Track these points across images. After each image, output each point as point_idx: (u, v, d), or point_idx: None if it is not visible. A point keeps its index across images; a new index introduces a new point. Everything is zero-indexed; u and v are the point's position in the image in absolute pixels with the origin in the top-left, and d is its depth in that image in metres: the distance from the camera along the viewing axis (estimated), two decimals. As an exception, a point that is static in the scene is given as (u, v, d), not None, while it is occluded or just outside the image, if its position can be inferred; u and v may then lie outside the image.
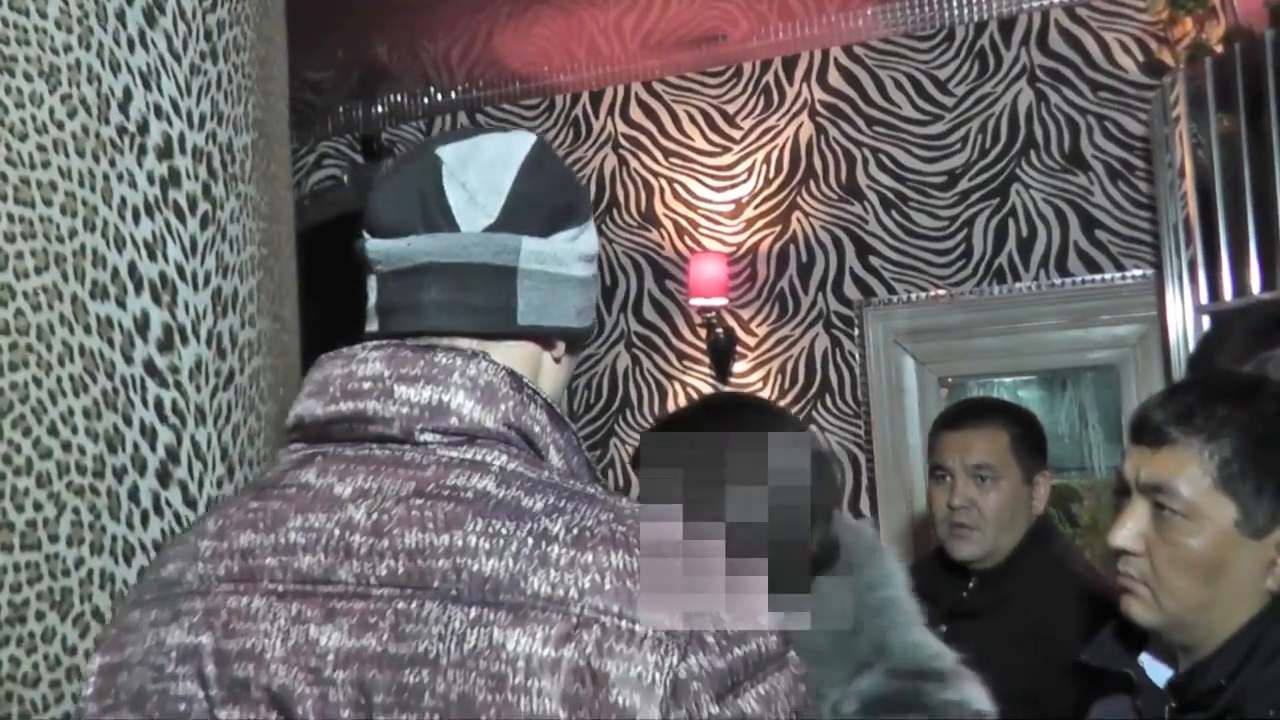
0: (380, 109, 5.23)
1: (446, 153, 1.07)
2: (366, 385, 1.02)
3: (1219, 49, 3.37)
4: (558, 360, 1.12)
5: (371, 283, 1.08)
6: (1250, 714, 1.35)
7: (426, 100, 5.16)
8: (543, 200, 1.07)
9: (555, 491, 0.97)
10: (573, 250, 1.09)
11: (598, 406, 4.93)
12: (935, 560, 2.42)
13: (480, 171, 1.06)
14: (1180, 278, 3.48)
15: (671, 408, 4.80)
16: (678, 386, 4.82)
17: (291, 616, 0.96)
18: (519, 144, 1.09)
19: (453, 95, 5.12)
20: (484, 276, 1.04)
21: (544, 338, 1.10)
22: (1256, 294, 3.10)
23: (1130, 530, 1.46)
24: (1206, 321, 3.25)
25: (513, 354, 1.07)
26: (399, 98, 5.18)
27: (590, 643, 0.88)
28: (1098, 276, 4.25)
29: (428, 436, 1.00)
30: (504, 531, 0.93)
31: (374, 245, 1.06)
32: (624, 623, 0.88)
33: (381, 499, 0.98)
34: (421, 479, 0.98)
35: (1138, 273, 4.18)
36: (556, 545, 0.92)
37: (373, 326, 1.08)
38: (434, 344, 1.03)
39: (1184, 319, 3.42)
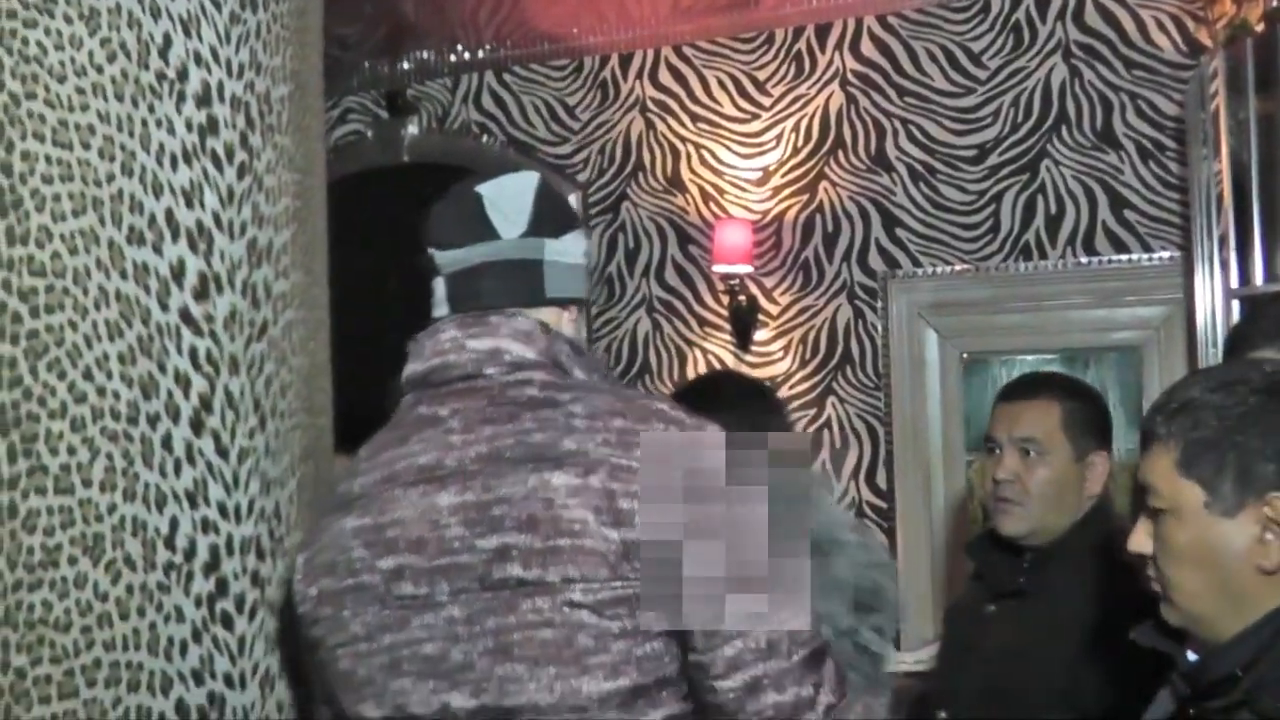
0: (406, 65, 5.20)
1: (484, 189, 1.55)
2: (446, 345, 1.51)
3: (1260, 29, 3.33)
4: (573, 319, 1.60)
5: (439, 283, 1.56)
6: (1264, 706, 1.35)
7: (453, 58, 5.13)
8: (554, 214, 1.57)
9: (578, 388, 1.47)
10: (577, 246, 1.58)
11: (617, 371, 4.92)
12: (988, 538, 2.37)
13: (509, 200, 1.54)
14: (1211, 261, 3.45)
15: (691, 374, 4.79)
16: (698, 353, 4.81)
17: (419, 494, 1.43)
18: (530, 180, 1.58)
19: (479, 54, 5.09)
20: (522, 267, 1.53)
21: (563, 304, 1.57)
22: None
23: (1139, 536, 1.50)
24: (1237, 306, 3.23)
25: (543, 314, 1.54)
26: (425, 55, 5.16)
27: (604, 473, 1.36)
28: (1124, 257, 4.22)
29: (490, 370, 1.48)
30: (545, 416, 1.42)
31: (442, 255, 1.55)
32: (624, 461, 1.36)
33: (467, 411, 1.46)
34: (490, 395, 1.46)
35: (1165, 254, 4.15)
36: (578, 419, 1.41)
37: (442, 311, 1.55)
38: (487, 312, 1.50)
39: (1213, 302, 3.39)
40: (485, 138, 5.16)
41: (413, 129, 5.23)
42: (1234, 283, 3.27)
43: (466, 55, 5.10)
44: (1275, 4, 3.36)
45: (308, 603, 1.51)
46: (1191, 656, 1.51)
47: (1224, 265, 3.35)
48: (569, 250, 1.56)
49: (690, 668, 1.35)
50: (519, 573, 1.35)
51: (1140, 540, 1.49)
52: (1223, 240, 3.36)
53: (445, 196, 1.60)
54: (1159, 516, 1.46)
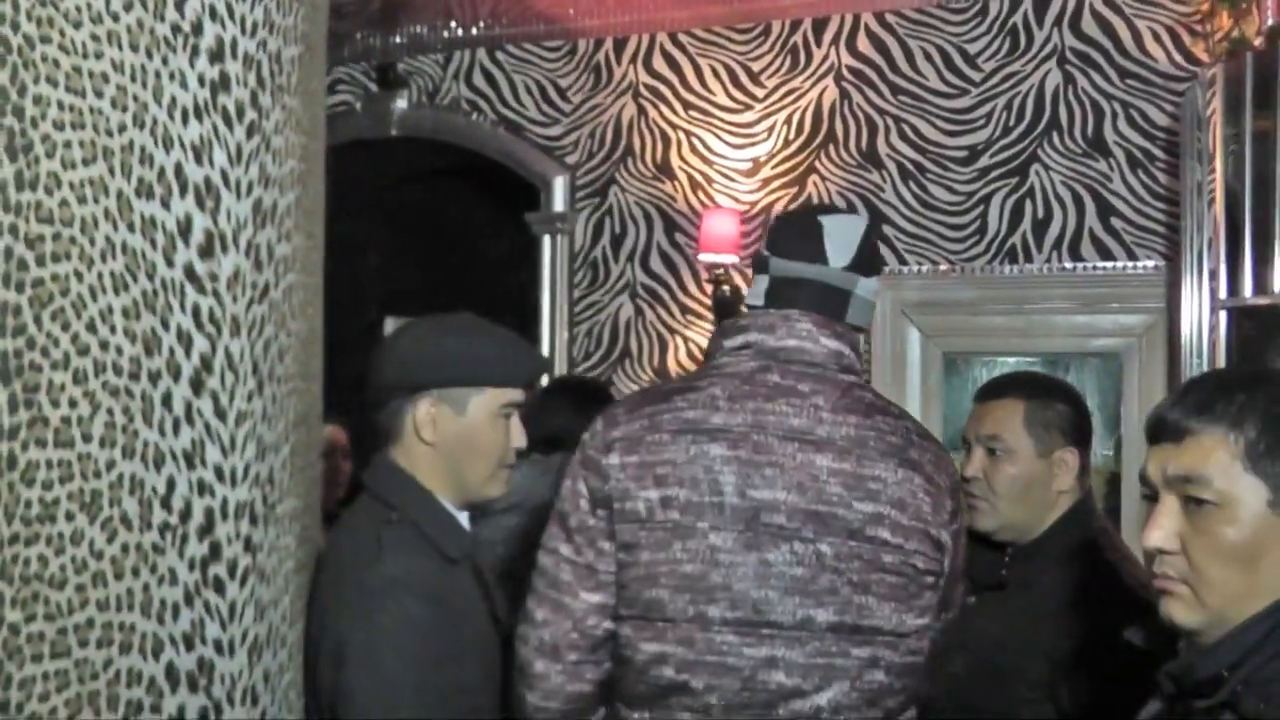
0: (399, 39, 5.16)
1: (827, 222, 1.87)
2: (802, 332, 1.81)
3: (1259, 45, 3.34)
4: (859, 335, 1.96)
5: (763, 280, 1.88)
6: (1247, 707, 1.33)
7: (446, 34, 5.10)
8: (871, 258, 1.89)
9: (894, 405, 1.87)
10: (876, 287, 1.90)
11: (597, 355, 4.91)
12: (969, 533, 2.39)
13: (843, 235, 1.86)
14: (1199, 271, 3.47)
15: (671, 361, 4.78)
16: (679, 340, 4.80)
17: (794, 449, 1.75)
18: (860, 222, 1.92)
19: (474, 31, 5.06)
20: (835, 294, 1.84)
21: (855, 329, 1.88)
22: (1277, 293, 3.09)
23: (1165, 529, 1.42)
24: (1224, 316, 3.25)
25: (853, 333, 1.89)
26: (419, 29, 5.11)
27: (935, 487, 1.79)
28: (1110, 264, 4.24)
29: (832, 366, 1.81)
30: (890, 424, 1.80)
31: (778, 263, 1.87)
32: (940, 479, 1.81)
33: (828, 395, 1.78)
34: (843, 389, 1.80)
35: (1149, 263, 4.18)
36: (914, 435, 1.81)
37: (757, 302, 1.88)
38: (830, 319, 1.83)
39: (1199, 312, 3.41)
40: (475, 115, 5.12)
41: (402, 103, 5.19)
42: (1223, 294, 3.29)
43: (460, 31, 5.06)
44: (1274, 21, 3.37)
45: (640, 503, 1.76)
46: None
47: (1212, 276, 3.37)
48: (870, 289, 1.89)
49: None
50: (886, 536, 1.75)
51: (1164, 536, 1.43)
52: (1212, 252, 3.38)
53: (790, 215, 2.03)
54: (1201, 509, 1.40)
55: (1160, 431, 1.45)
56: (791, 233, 1.89)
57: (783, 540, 1.74)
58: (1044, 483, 2.25)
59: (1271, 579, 1.38)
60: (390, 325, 5.62)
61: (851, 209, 2.17)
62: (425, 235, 6.01)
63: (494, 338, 2.08)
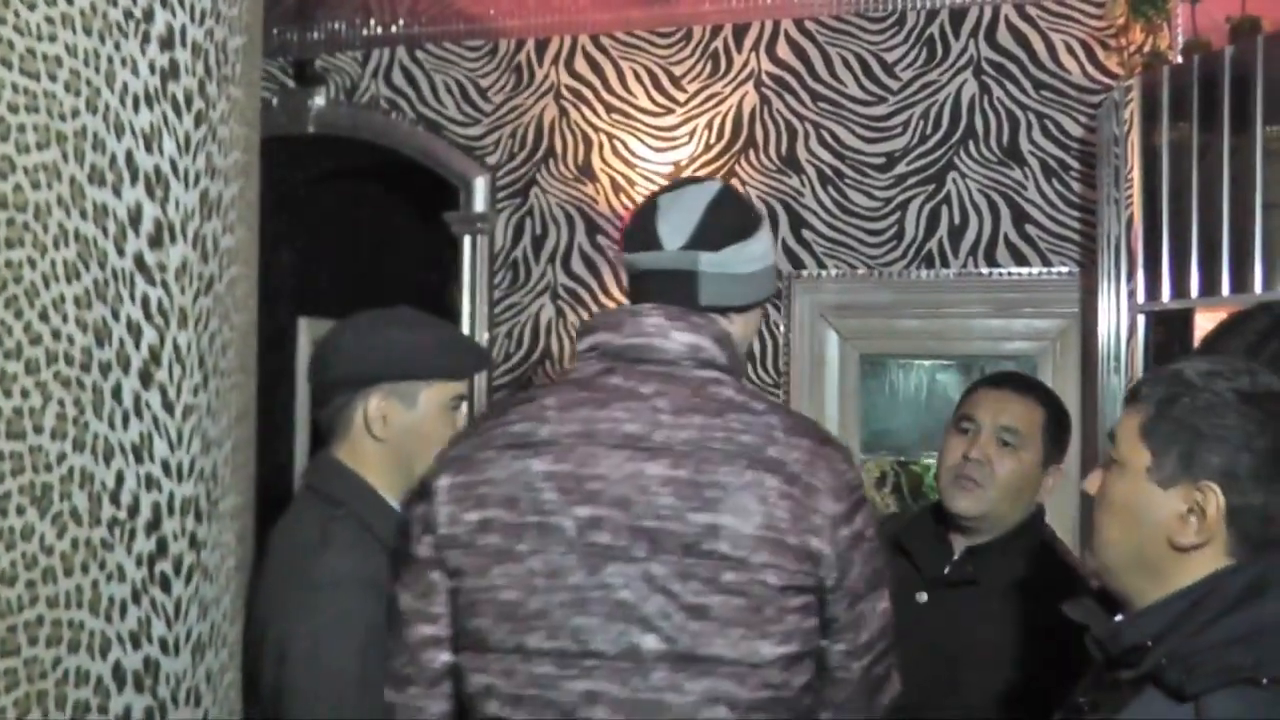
0: (316, 35, 5.08)
1: (662, 199, 1.73)
2: (650, 328, 1.65)
3: (1175, 60, 3.45)
4: (749, 322, 1.77)
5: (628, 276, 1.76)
6: (1170, 679, 1.40)
7: (365, 31, 5.04)
8: (719, 227, 1.69)
9: (763, 399, 1.67)
10: (740, 257, 1.70)
11: (517, 356, 4.89)
12: (928, 520, 2.40)
13: (678, 213, 1.70)
14: (1116, 277, 3.57)
15: (592, 364, 4.77)
16: (600, 343, 4.79)
17: (625, 458, 1.58)
18: (706, 192, 1.73)
19: (393, 29, 5.00)
20: (678, 278, 1.67)
21: (721, 311, 1.70)
22: (1194, 298, 3.19)
23: (1093, 479, 1.62)
24: (1143, 320, 3.34)
25: (717, 321, 1.69)
26: (336, 25, 5.05)
27: (801, 487, 1.56)
28: (1024, 270, 4.34)
29: (687, 362, 1.64)
30: (747, 420, 1.60)
31: (625, 258, 1.74)
32: (813, 480, 1.57)
33: (673, 395, 1.61)
34: (694, 387, 1.62)
35: (1063, 269, 4.28)
36: (778, 430, 1.60)
37: (626, 301, 1.76)
38: (687, 310, 1.66)
39: (1117, 317, 3.51)
40: (395, 114, 5.07)
41: (320, 100, 5.12)
42: (1141, 298, 3.39)
43: (379, 29, 5.00)
44: (1190, 37, 3.48)
45: (461, 527, 1.63)
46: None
47: (1130, 281, 3.46)
48: (729, 262, 1.68)
49: (828, 645, 1.62)
50: (725, 550, 1.54)
51: (1089, 482, 1.62)
52: (1130, 257, 3.48)
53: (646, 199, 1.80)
54: (1110, 466, 1.57)
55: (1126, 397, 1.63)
56: (634, 222, 1.74)
57: (609, 560, 1.55)
58: (1034, 488, 2.30)
59: (1143, 543, 1.52)
60: (304, 326, 5.53)
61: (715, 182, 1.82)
62: (342, 235, 5.92)
63: (439, 330, 2.07)
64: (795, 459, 1.57)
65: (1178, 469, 1.49)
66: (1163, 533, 1.49)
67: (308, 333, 5.50)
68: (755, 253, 1.73)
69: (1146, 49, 3.69)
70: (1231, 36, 3.22)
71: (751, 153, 4.67)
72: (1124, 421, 1.56)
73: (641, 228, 1.71)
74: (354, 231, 5.98)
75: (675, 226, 1.67)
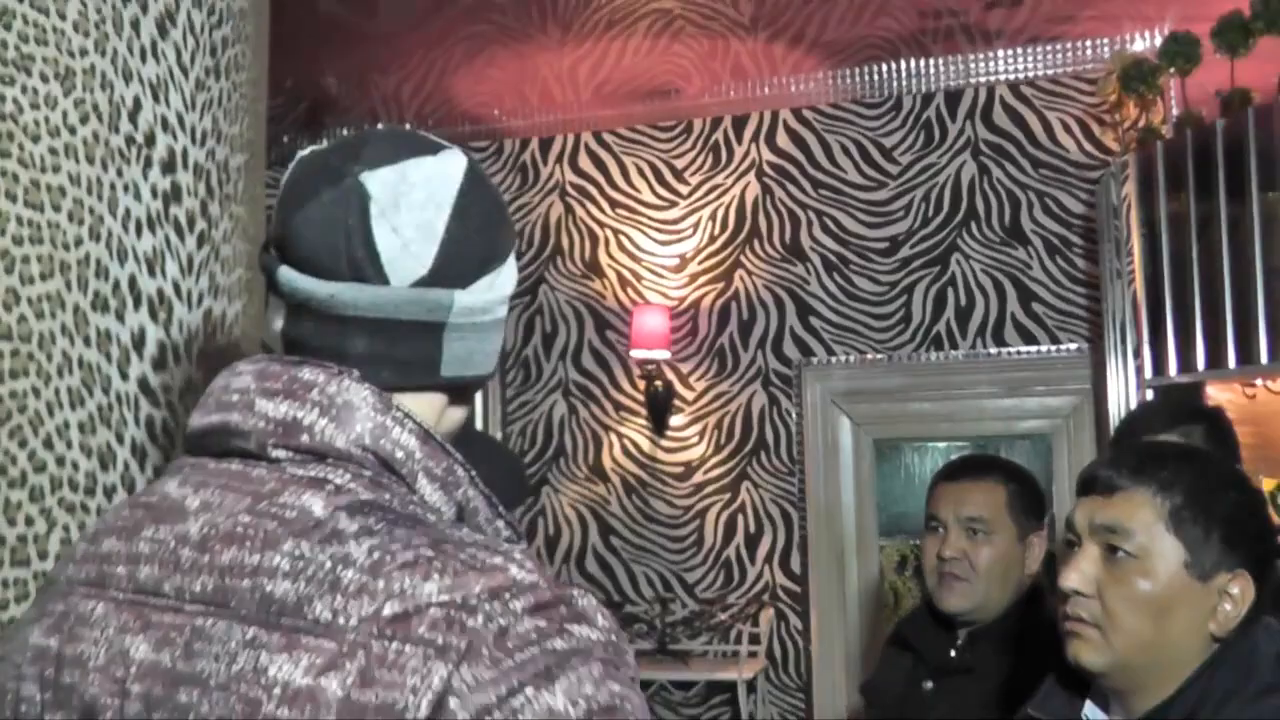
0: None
1: (374, 184, 1.00)
2: (235, 398, 1.02)
3: (1168, 134, 3.48)
4: (467, 403, 1.13)
5: (279, 306, 1.04)
6: None
7: (371, 137, 5.11)
8: (474, 247, 1.04)
9: (380, 514, 0.95)
10: (495, 295, 1.06)
11: (532, 453, 4.89)
12: (925, 613, 2.40)
13: (413, 213, 1.00)
14: (1123, 353, 3.57)
15: (606, 458, 4.78)
16: (614, 437, 4.80)
17: (119, 626, 0.98)
18: (450, 175, 1.04)
19: (398, 133, 5.08)
20: (413, 331, 1.02)
21: (458, 387, 1.08)
22: (1201, 370, 3.19)
23: (1084, 573, 1.52)
24: (1150, 395, 3.33)
25: (420, 402, 1.05)
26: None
27: (353, 672, 0.87)
28: (1033, 348, 4.34)
29: (279, 453, 0.99)
30: (308, 554, 0.92)
31: (289, 278, 1.01)
32: (392, 647, 0.87)
33: (216, 514, 0.98)
34: (258, 495, 0.98)
35: (1072, 346, 4.28)
36: (352, 570, 0.91)
37: (276, 350, 1.06)
38: (304, 360, 1.01)
39: (1126, 392, 3.50)
40: (401, 217, 5.13)
41: (328, 206, 5.17)
42: (1148, 373, 3.38)
43: (384, 135, 5.07)
44: (1181, 111, 3.52)
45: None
46: (1094, 713, 1.56)
47: (1136, 357, 3.46)
48: (482, 305, 1.05)
49: None
50: None
51: (1081, 578, 1.52)
52: (1135, 332, 3.48)
53: (307, 165, 1.05)
54: (1121, 559, 1.49)
55: (1092, 484, 1.56)
56: (314, 218, 1.01)
57: None
58: (1019, 565, 2.29)
59: (1176, 635, 1.48)
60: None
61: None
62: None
63: (509, 459, 2.07)
64: (364, 615, 0.89)
65: (1214, 563, 1.47)
66: (1203, 624, 1.47)
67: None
68: (511, 280, 1.10)
69: (1141, 124, 3.72)
70: (1222, 109, 3.26)
71: (756, 242, 4.71)
72: (1131, 514, 1.50)
73: (333, 235, 1.00)
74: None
75: (410, 239, 1.00)
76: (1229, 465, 1.57)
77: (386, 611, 0.88)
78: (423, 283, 1.00)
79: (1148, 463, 1.52)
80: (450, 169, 1.04)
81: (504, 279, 1.08)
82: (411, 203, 1.00)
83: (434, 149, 1.05)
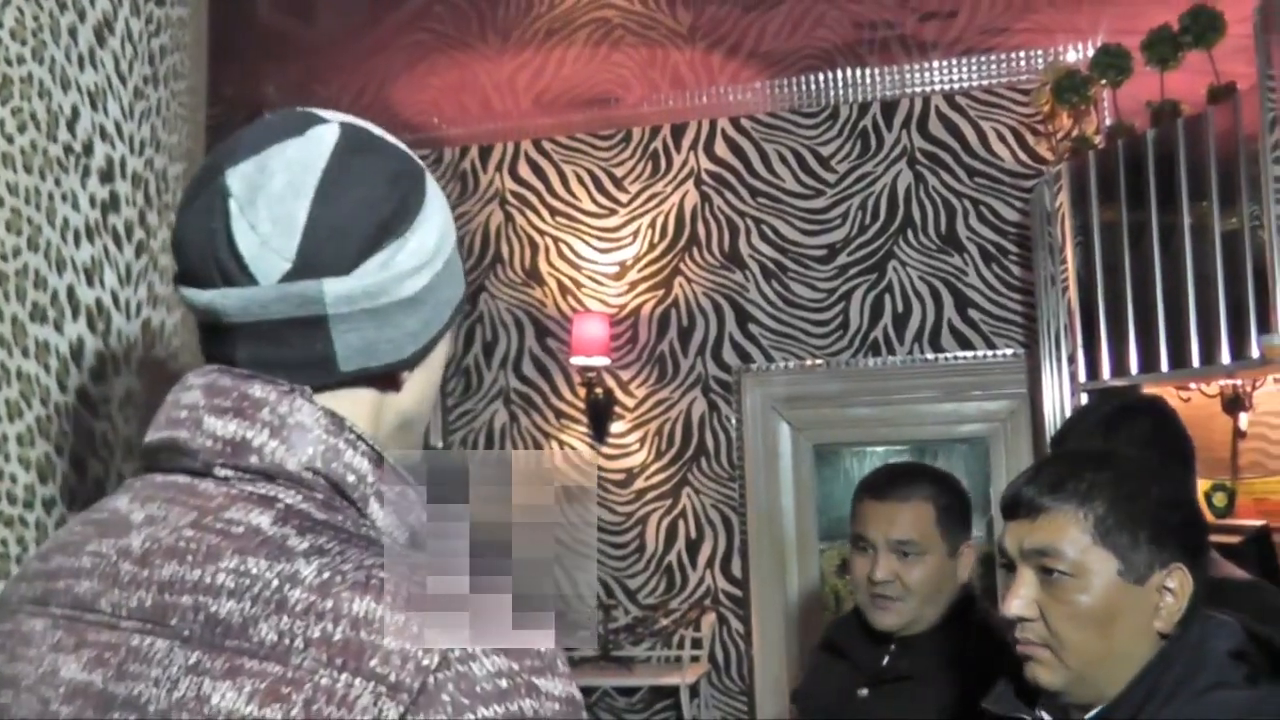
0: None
1: (234, 180, 0.94)
2: (183, 414, 0.97)
3: (1100, 143, 3.55)
4: (400, 389, 1.04)
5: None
6: None
7: (308, 145, 5.07)
8: (346, 228, 0.95)
9: (332, 534, 0.90)
10: (391, 274, 0.97)
11: (472, 462, 4.86)
12: (856, 622, 2.39)
13: (271, 206, 0.93)
14: (1057, 358, 3.63)
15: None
16: (555, 445, 4.79)
17: (52, 644, 0.94)
18: (315, 154, 0.96)
19: (336, 141, 5.04)
20: (293, 330, 0.95)
21: (377, 377, 1.01)
22: (1135, 374, 3.25)
23: (1023, 598, 1.55)
24: (1085, 399, 3.39)
25: (343, 400, 0.99)
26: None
27: (298, 704, 0.81)
28: (969, 353, 4.40)
29: (226, 473, 0.95)
30: (254, 571, 0.87)
31: (183, 293, 0.98)
32: (341, 680, 0.82)
33: (160, 527, 0.94)
34: (204, 509, 0.93)
35: (1008, 351, 4.34)
36: (300, 589, 0.85)
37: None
38: (255, 375, 0.96)
39: (1061, 396, 3.56)
40: (340, 226, 5.09)
41: (265, 215, 5.13)
42: (1082, 377, 3.44)
43: (322, 143, 5.03)
44: (1113, 121, 3.59)
45: None
46: (1046, 717, 1.59)
47: (1071, 361, 3.52)
48: (373, 288, 0.96)
49: None
50: None
51: (1022, 604, 1.54)
52: (1069, 337, 3.54)
53: (195, 177, 1.00)
54: (1056, 579, 1.52)
55: (1016, 508, 1.58)
56: (187, 225, 0.98)
57: None
58: (952, 577, 2.27)
59: (1125, 640, 1.51)
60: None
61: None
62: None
63: None
64: (312, 640, 0.85)
65: (1148, 564, 1.50)
66: (1148, 625, 1.50)
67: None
68: (422, 251, 1.00)
69: (1074, 134, 3.79)
70: (1153, 120, 3.32)
71: (695, 250, 4.73)
72: (1059, 534, 1.52)
73: (202, 240, 0.96)
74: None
75: (269, 235, 0.93)
76: (1145, 461, 1.58)
77: (337, 637, 0.83)
78: (288, 277, 0.93)
79: (1066, 478, 1.54)
80: (315, 149, 0.96)
81: (407, 253, 0.98)
82: (269, 195, 0.94)
83: (303, 128, 0.97)
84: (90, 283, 1.59)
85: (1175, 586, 1.50)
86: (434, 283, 1.01)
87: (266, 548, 0.89)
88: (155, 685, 0.86)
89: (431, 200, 1.03)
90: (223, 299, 0.94)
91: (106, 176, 1.63)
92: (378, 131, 1.03)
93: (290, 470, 0.94)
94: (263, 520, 0.91)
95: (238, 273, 0.94)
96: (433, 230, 1.01)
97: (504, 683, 0.83)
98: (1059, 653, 1.52)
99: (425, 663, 0.82)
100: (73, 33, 1.58)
